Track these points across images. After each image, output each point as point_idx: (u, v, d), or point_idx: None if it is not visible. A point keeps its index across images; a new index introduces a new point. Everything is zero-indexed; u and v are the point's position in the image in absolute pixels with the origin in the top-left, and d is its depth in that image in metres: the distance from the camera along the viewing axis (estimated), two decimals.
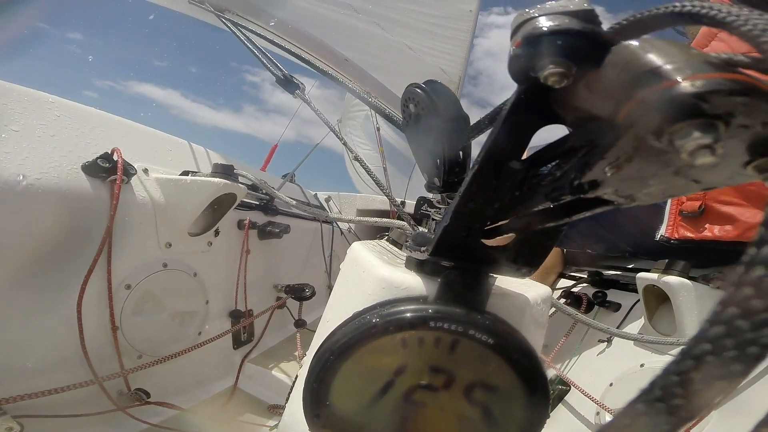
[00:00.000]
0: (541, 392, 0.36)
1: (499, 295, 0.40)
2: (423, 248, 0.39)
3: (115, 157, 1.02)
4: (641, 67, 0.18)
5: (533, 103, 0.27)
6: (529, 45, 0.24)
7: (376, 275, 0.41)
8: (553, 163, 0.28)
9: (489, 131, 0.36)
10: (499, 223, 0.35)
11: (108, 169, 1.01)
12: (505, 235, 0.39)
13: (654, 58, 0.17)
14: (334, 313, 0.48)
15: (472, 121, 0.49)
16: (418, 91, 0.51)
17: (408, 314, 0.35)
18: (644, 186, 0.20)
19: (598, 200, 0.23)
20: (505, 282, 0.44)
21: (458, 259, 0.36)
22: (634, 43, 0.20)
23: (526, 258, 0.36)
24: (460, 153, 0.52)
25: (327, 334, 0.40)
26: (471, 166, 0.31)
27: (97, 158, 1.01)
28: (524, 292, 0.43)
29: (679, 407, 0.16)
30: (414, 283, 0.40)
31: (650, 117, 0.16)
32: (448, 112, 0.50)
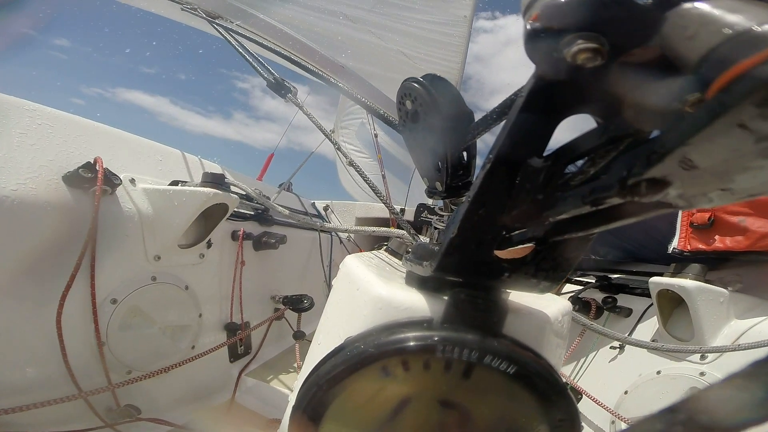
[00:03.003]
0: (572, 428, 0.31)
1: (515, 313, 0.35)
2: (425, 263, 0.33)
3: (97, 167, 0.97)
4: (733, 28, 0.13)
5: (556, 88, 0.23)
6: (551, 18, 0.20)
7: (371, 294, 0.36)
8: (585, 159, 0.23)
9: (500, 125, 0.31)
10: (515, 232, 0.30)
11: (91, 180, 0.96)
12: (522, 246, 0.34)
13: (747, 18, 0.13)
14: (326, 336, 0.43)
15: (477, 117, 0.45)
16: (416, 85, 0.46)
17: (411, 342, 0.30)
18: (726, 181, 0.15)
19: (654, 203, 0.18)
20: (518, 296, 0.39)
21: (467, 274, 0.31)
22: (703, 4, 0.15)
23: (547, 272, 0.31)
24: (464, 153, 0.47)
25: (317, 360, 0.35)
26: (482, 165, 0.26)
27: (79, 168, 0.96)
28: (543, 308, 0.38)
29: None
30: (416, 302, 0.34)
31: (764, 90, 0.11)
32: (450, 108, 0.45)
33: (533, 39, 0.21)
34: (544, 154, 0.25)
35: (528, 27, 0.21)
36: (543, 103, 0.23)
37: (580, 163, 0.24)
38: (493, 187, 0.25)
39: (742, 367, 0.14)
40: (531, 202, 0.25)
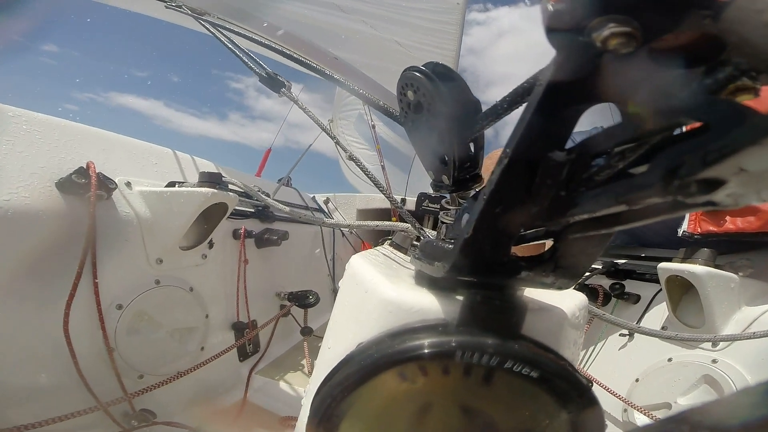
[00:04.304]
0: (597, 428, 0.30)
1: (531, 311, 0.33)
2: (437, 263, 0.32)
3: (90, 172, 0.95)
4: None
5: (579, 75, 0.21)
6: None
7: (381, 297, 0.34)
8: (613, 153, 0.21)
9: (509, 115, 0.29)
10: (533, 230, 0.28)
11: (85, 185, 0.94)
12: (538, 242, 0.32)
13: None
14: (336, 340, 0.41)
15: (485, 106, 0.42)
16: (418, 74, 0.44)
17: (426, 349, 0.28)
18: None
19: (699, 203, 0.16)
20: (530, 291, 0.37)
21: (482, 274, 0.29)
22: None
23: (565, 270, 0.29)
24: (471, 145, 0.45)
25: (328, 365, 0.34)
26: (498, 160, 0.24)
27: (72, 174, 0.94)
28: (558, 303, 0.37)
29: None
30: (429, 304, 0.33)
31: None
32: (455, 98, 0.42)
33: (556, 22, 0.19)
34: (567, 146, 0.23)
35: (550, 8, 0.19)
36: (565, 92, 0.21)
37: (608, 156, 0.22)
38: (510, 183, 0.24)
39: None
40: (554, 200, 0.23)
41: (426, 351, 0.28)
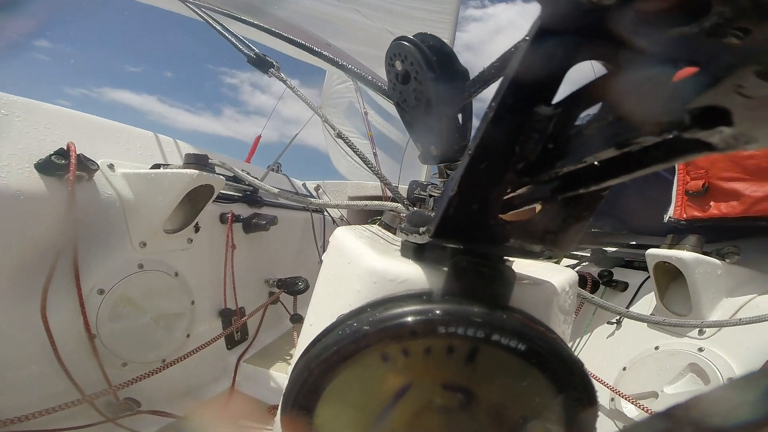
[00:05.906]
0: (590, 411, 0.28)
1: (519, 284, 0.32)
2: (422, 228, 0.30)
3: (70, 153, 0.92)
4: None
5: (564, 30, 0.20)
6: None
7: (365, 267, 0.33)
8: (601, 105, 0.20)
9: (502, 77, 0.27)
10: (518, 191, 0.27)
11: (64, 166, 0.91)
12: (525, 208, 0.31)
13: None
14: (317, 316, 0.40)
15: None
16: (405, 44, 0.42)
17: (409, 318, 0.27)
18: None
19: (690, 144, 0.15)
20: (518, 265, 0.36)
21: (469, 239, 0.28)
22: None
23: (555, 236, 0.28)
24: (459, 116, 0.44)
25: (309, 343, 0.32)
26: (483, 115, 0.22)
27: (51, 155, 0.91)
28: (548, 278, 0.35)
29: None
30: (413, 274, 0.31)
31: None
32: (443, 66, 0.41)
33: None
34: (554, 102, 0.22)
35: None
36: (551, 47, 0.20)
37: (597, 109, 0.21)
38: (496, 137, 0.22)
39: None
40: (542, 153, 0.22)
41: (409, 319, 0.27)
